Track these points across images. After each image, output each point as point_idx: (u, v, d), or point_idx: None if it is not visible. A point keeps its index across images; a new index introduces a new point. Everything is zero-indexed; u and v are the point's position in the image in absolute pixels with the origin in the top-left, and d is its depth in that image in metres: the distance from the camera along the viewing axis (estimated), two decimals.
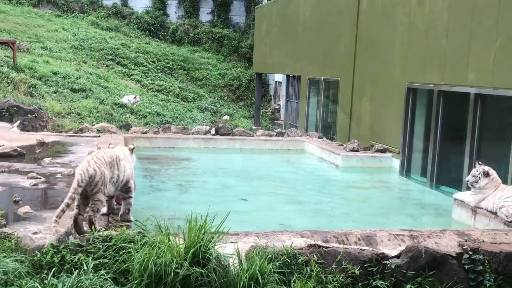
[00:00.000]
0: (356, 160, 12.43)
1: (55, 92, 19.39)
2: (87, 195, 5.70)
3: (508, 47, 9.04)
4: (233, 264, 4.93)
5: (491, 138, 9.77)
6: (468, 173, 8.16)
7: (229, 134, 14.63)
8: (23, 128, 13.49)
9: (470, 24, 9.99)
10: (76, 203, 5.62)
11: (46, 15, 31.28)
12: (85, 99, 19.79)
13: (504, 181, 8.05)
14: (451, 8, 10.59)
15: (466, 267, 5.59)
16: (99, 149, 9.07)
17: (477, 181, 7.50)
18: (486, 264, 5.64)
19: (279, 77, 29.03)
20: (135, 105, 21.28)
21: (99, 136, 13.12)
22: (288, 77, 22.83)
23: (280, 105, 29.03)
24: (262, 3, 31.47)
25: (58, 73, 21.24)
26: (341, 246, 5.51)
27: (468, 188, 7.92)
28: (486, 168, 7.55)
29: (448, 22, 10.66)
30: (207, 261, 4.79)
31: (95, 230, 5.21)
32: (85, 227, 5.65)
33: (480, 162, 7.85)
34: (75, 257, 4.82)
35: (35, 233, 5.58)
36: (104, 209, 6.46)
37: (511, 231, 6.54)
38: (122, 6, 34.37)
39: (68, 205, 5.53)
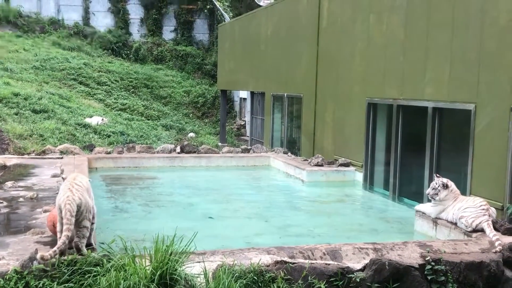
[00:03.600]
0: (320, 175, 12.60)
1: (16, 114, 19.06)
2: None
3: (462, 62, 9.38)
4: (200, 284, 4.96)
5: (449, 150, 10.07)
6: (429, 184, 8.39)
7: (194, 152, 14.63)
8: None
9: (425, 40, 10.32)
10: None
11: (6, 36, 30.69)
12: (47, 120, 19.51)
13: (463, 192, 8.31)
14: (407, 25, 10.93)
15: (429, 277, 5.74)
16: (61, 172, 8.92)
17: (437, 194, 7.70)
18: (448, 274, 5.80)
19: (244, 94, 29.18)
20: (98, 124, 21.09)
21: (62, 158, 12.95)
22: (252, 93, 23.00)
23: (245, 121, 29.17)
24: (224, 21, 31.66)
25: (19, 95, 20.89)
26: (307, 261, 5.60)
27: (429, 200, 8.13)
28: (445, 180, 7.77)
29: (404, 38, 10.99)
30: (175, 282, 4.80)
31: (83, 255, 5.20)
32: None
33: (438, 175, 8.08)
34: (39, 283, 4.78)
35: None
36: None
37: (471, 241, 6.75)
38: (84, 25, 34.05)
39: (68, 237, 5.33)
